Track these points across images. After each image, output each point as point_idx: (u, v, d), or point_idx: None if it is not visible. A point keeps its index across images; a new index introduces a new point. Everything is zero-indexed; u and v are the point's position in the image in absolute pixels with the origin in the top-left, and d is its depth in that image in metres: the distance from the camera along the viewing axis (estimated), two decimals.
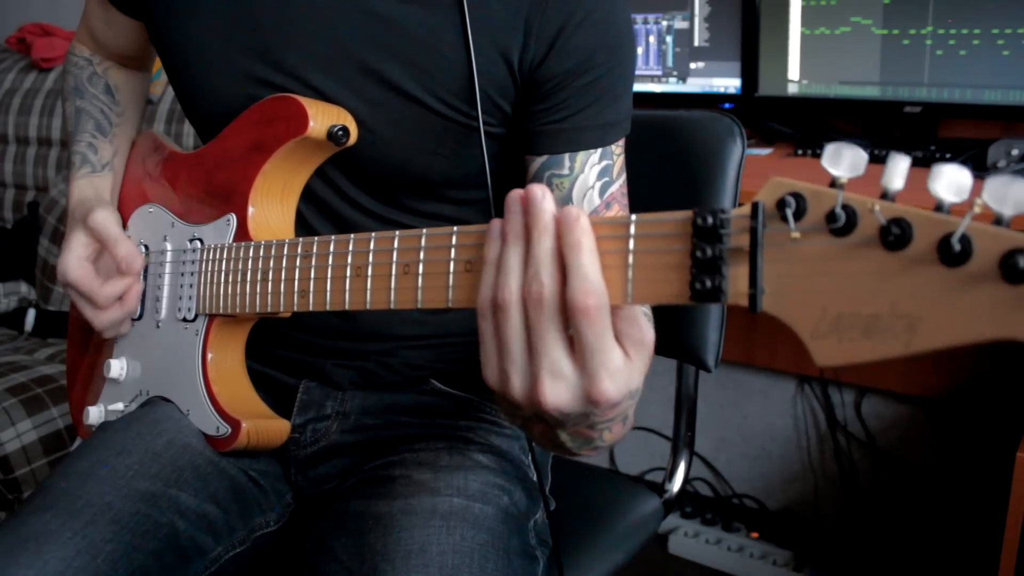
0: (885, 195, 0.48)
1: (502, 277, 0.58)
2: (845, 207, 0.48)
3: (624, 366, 0.57)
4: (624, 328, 0.58)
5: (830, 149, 0.49)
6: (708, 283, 0.52)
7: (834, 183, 0.49)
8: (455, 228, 0.65)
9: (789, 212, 0.49)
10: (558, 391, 0.57)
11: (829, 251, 0.49)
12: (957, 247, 0.44)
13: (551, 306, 0.56)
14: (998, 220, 0.44)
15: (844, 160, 0.48)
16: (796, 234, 0.49)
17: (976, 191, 0.44)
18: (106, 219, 0.94)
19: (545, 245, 0.57)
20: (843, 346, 0.48)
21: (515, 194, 0.58)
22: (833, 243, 0.48)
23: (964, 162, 1.56)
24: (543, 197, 0.57)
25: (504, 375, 0.59)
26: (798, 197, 0.49)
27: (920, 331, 0.46)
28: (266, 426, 0.91)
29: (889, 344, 0.47)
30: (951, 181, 0.45)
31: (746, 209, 0.51)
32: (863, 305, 0.47)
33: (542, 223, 0.57)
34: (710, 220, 0.52)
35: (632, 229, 0.56)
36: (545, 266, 0.56)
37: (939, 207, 0.46)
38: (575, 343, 0.56)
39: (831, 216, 0.48)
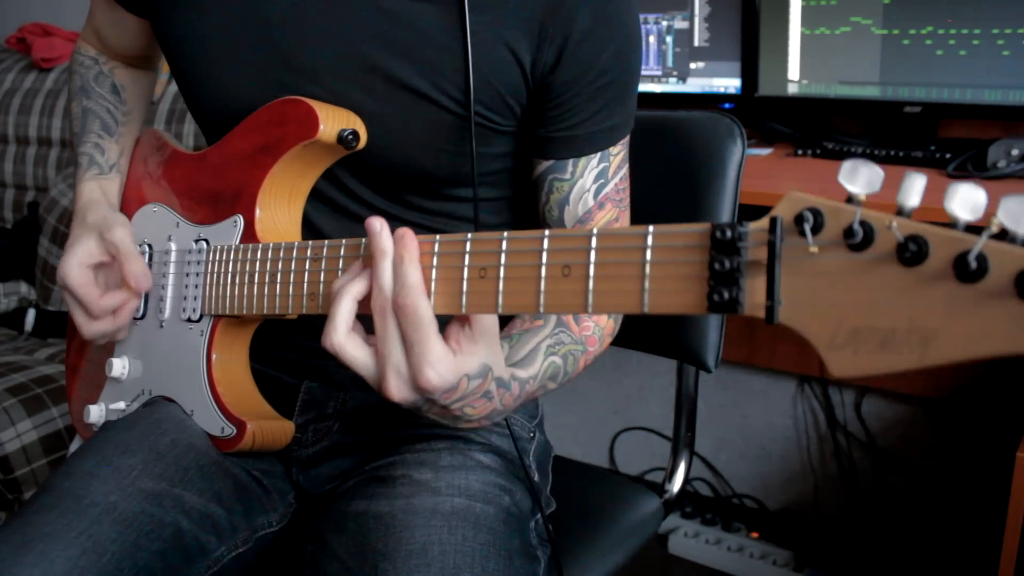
0: (901, 212, 0.49)
1: (329, 325, 0.69)
2: (863, 223, 0.49)
3: (446, 356, 0.67)
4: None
5: (847, 166, 0.50)
6: (726, 294, 0.53)
7: (851, 199, 0.50)
8: (468, 235, 0.67)
9: (807, 227, 0.50)
10: (400, 386, 0.68)
11: (846, 266, 0.50)
12: (973, 264, 0.45)
13: (391, 312, 0.67)
14: (1013, 238, 0.45)
15: (861, 177, 0.50)
16: (814, 248, 0.50)
17: (992, 208, 0.45)
18: (125, 236, 0.95)
19: (385, 265, 0.68)
20: (859, 358, 0.49)
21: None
22: (850, 258, 0.49)
23: (964, 162, 1.56)
24: (380, 229, 0.69)
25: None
26: (816, 212, 0.50)
27: (934, 345, 0.47)
28: (271, 427, 0.91)
29: (904, 357, 0.48)
30: (966, 199, 0.46)
31: (764, 223, 0.52)
32: (879, 319, 0.48)
33: (380, 248, 0.68)
34: (728, 233, 0.53)
35: (649, 240, 0.57)
36: (386, 280, 0.68)
37: (954, 224, 0.47)
38: (404, 340, 0.67)
39: (849, 232, 0.49)
